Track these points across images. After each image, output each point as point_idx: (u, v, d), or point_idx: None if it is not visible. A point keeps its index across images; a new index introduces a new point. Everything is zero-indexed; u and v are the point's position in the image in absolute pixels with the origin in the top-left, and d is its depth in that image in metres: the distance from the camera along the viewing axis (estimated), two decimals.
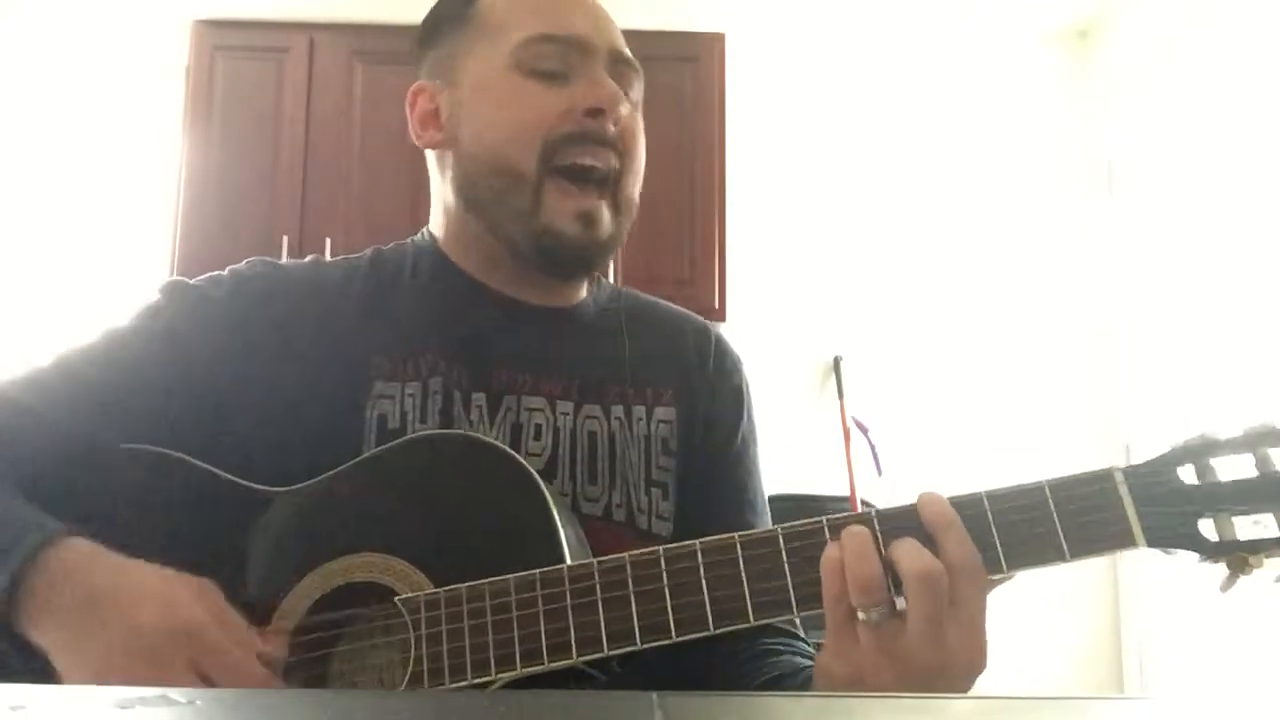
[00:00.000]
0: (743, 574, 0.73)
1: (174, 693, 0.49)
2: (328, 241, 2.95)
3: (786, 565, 0.73)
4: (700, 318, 1.09)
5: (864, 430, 3.21)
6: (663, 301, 1.10)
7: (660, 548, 0.75)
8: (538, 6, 0.96)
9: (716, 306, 3.10)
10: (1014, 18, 3.42)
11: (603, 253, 0.94)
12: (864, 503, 3.02)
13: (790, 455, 3.07)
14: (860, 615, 0.69)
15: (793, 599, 0.72)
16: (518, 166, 0.91)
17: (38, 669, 0.75)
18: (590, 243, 0.93)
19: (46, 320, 3.09)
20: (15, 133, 3.30)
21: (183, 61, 3.22)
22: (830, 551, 0.71)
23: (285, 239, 3.01)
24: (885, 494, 3.09)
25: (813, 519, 0.74)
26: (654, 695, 0.48)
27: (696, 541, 0.75)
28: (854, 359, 3.30)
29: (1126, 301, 3.24)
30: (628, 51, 0.98)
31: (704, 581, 0.73)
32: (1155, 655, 2.98)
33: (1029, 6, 3.37)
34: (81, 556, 0.75)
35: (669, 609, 0.73)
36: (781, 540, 0.74)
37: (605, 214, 0.93)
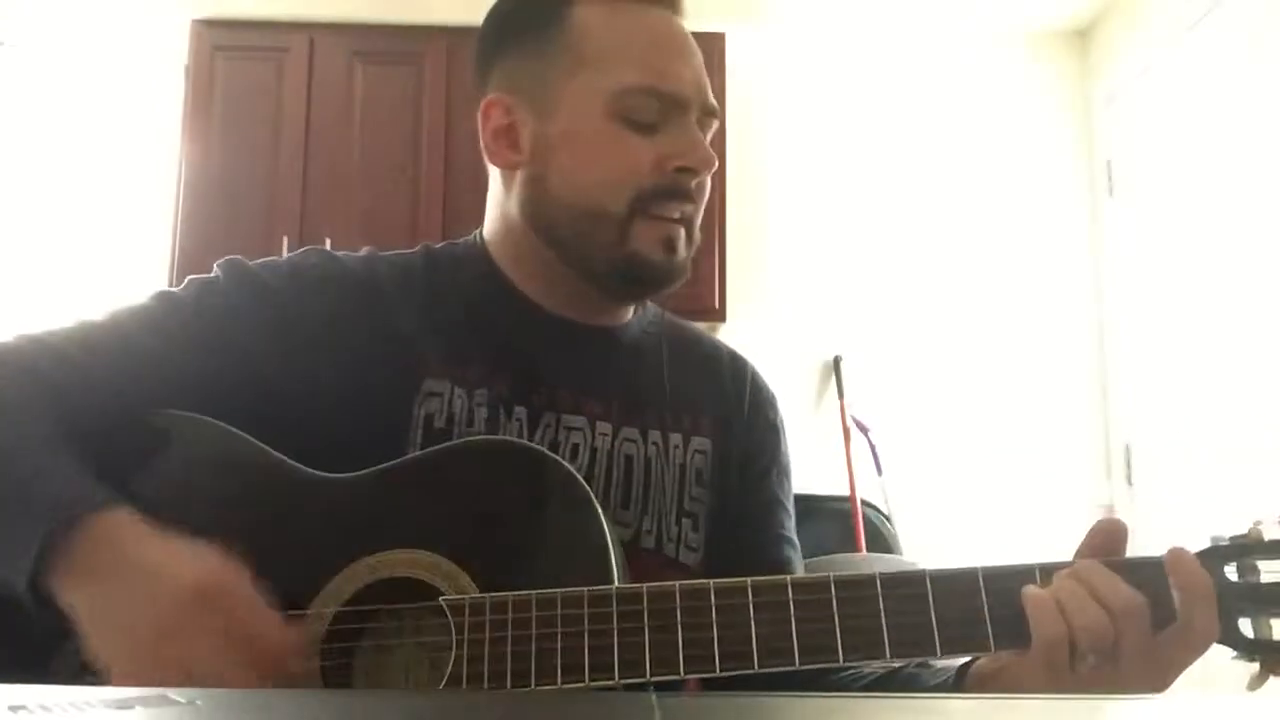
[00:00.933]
0: (791, 616, 0.74)
1: (174, 693, 0.49)
2: (328, 241, 2.94)
3: (836, 613, 0.74)
4: (735, 350, 1.09)
5: (864, 430, 3.21)
6: (700, 329, 1.11)
7: (711, 580, 0.75)
8: (643, 50, 0.93)
9: (716, 306, 3.10)
10: (1013, 18, 3.42)
11: (680, 276, 0.95)
12: (864, 502, 3.02)
13: (790, 455, 3.06)
14: (1090, 660, 0.72)
15: (839, 645, 0.73)
16: (606, 210, 0.91)
17: (58, 634, 0.75)
18: (672, 267, 0.94)
19: (46, 320, 3.08)
20: (16, 132, 3.30)
21: (183, 61, 3.22)
22: (1041, 594, 0.73)
23: (285, 239, 3.01)
24: (885, 494, 3.09)
25: (866, 573, 0.75)
26: (653, 695, 0.48)
27: (748, 579, 0.75)
28: (854, 359, 3.30)
29: (1126, 301, 3.24)
30: (714, 101, 0.96)
31: (753, 619, 0.74)
32: None
33: (1028, 6, 3.37)
34: (120, 525, 0.75)
35: (715, 641, 0.73)
36: (833, 587, 0.74)
37: (683, 239, 0.94)
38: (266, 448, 0.85)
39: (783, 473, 1.06)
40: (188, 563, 0.74)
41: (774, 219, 3.38)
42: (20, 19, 3.29)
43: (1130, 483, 3.07)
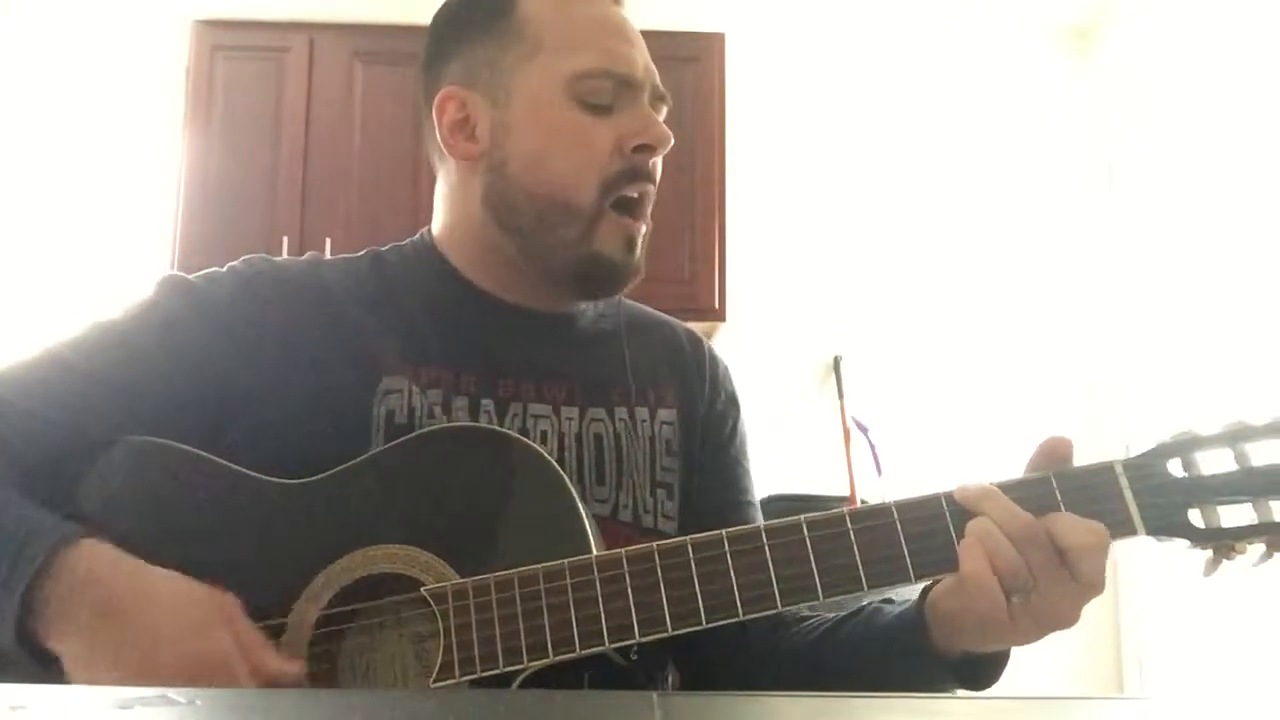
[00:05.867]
0: (769, 561, 0.77)
1: (174, 693, 0.49)
2: (328, 241, 2.94)
3: (811, 552, 0.77)
4: (688, 327, 1.12)
5: (864, 430, 3.21)
6: (651, 309, 1.12)
7: (688, 537, 0.78)
8: (596, 35, 0.96)
9: (716, 306, 3.10)
10: (1014, 18, 3.42)
11: (636, 275, 0.97)
12: (864, 503, 3.01)
13: (790, 455, 3.06)
14: (1015, 599, 0.75)
15: (818, 584, 0.76)
16: (575, 202, 0.93)
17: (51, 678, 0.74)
18: (629, 266, 0.95)
19: (46, 320, 3.08)
20: (15, 132, 3.30)
21: (183, 61, 3.22)
22: (971, 546, 0.76)
23: (285, 239, 3.01)
24: (885, 494, 3.09)
25: (835, 510, 0.79)
26: (654, 695, 0.48)
27: (723, 531, 0.78)
28: (854, 359, 3.30)
29: (1127, 300, 3.24)
30: (663, 86, 0.99)
31: (732, 569, 0.76)
32: (1155, 655, 2.98)
33: (1029, 6, 3.37)
34: (97, 561, 0.75)
35: (699, 596, 0.76)
36: (805, 528, 0.78)
37: (641, 237, 0.96)
38: (226, 462, 0.85)
39: (743, 441, 1.09)
40: (172, 615, 0.74)
41: (774, 219, 3.38)
42: (20, 19, 3.29)
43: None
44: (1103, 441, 3.12)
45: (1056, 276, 3.38)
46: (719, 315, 3.09)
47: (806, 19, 3.43)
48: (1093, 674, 3.09)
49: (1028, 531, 0.75)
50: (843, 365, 3.28)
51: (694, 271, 3.08)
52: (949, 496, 0.78)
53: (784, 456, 2.93)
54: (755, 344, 3.15)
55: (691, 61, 3.17)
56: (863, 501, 3.01)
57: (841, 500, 2.99)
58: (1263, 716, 0.54)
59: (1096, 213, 3.37)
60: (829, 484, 3.03)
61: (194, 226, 3.06)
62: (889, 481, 3.13)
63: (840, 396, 3.24)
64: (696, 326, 1.13)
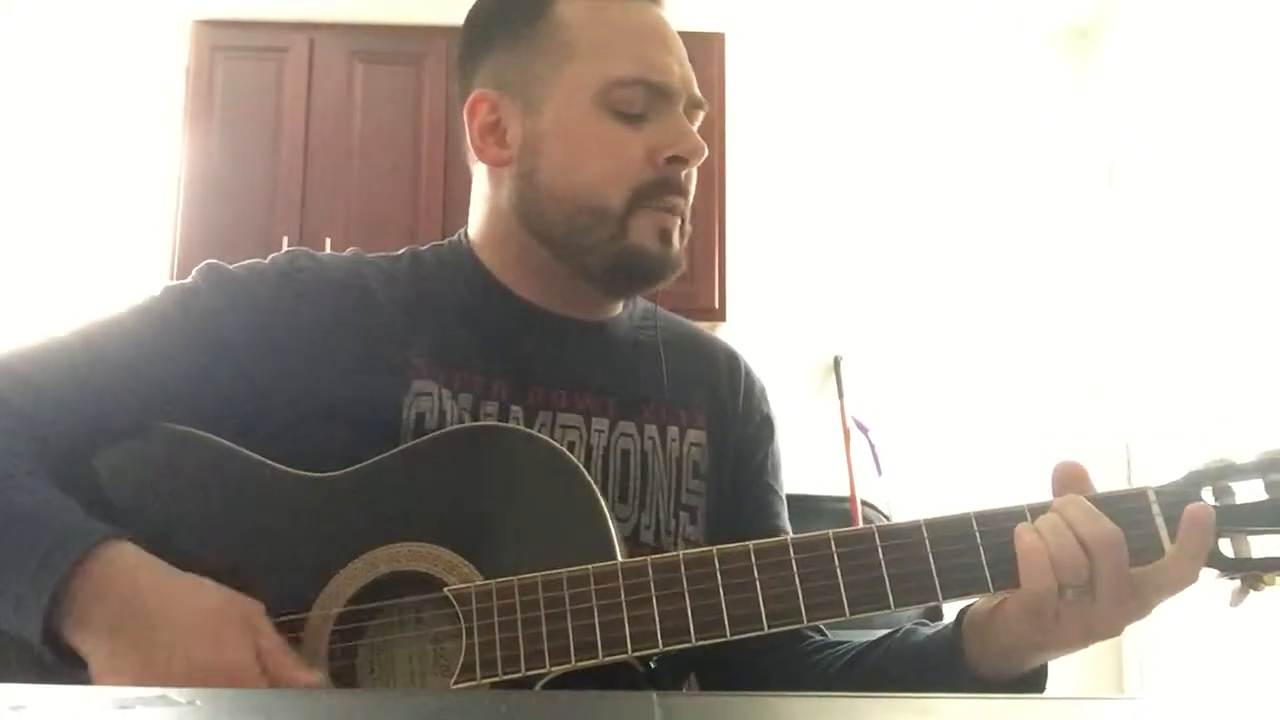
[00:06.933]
0: (796, 575, 0.76)
1: (174, 693, 0.49)
2: (328, 241, 2.94)
3: (839, 568, 0.76)
4: (726, 343, 1.10)
5: (864, 430, 3.21)
6: (691, 322, 1.11)
7: (714, 548, 0.77)
8: (631, 42, 0.94)
9: (716, 306, 3.10)
10: (1014, 18, 3.42)
11: (676, 269, 0.95)
12: (864, 503, 3.02)
13: (790, 455, 3.05)
14: (1069, 594, 0.74)
15: (844, 600, 0.75)
16: (604, 207, 0.91)
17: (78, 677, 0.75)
18: (666, 259, 0.94)
19: (46, 320, 3.08)
20: (15, 132, 3.29)
21: (183, 61, 3.22)
22: (1029, 535, 0.75)
23: (285, 239, 3.00)
24: (885, 494, 3.09)
25: (864, 526, 0.78)
26: (654, 695, 0.48)
27: (750, 543, 0.77)
28: (854, 359, 3.30)
29: (1127, 301, 3.24)
30: (700, 93, 0.97)
31: (758, 581, 0.76)
32: (1155, 656, 2.98)
33: (1029, 6, 3.37)
34: (125, 566, 0.75)
35: (723, 607, 0.75)
36: (833, 544, 0.76)
37: (678, 231, 0.95)
38: (253, 454, 0.85)
39: (776, 464, 1.08)
40: (198, 625, 0.74)
41: (774, 219, 3.38)
42: (20, 19, 3.29)
43: (1130, 482, 3.06)
44: (1103, 441, 3.12)
45: (1056, 277, 3.38)
46: (719, 315, 3.09)
47: (806, 19, 3.43)
48: (1093, 674, 3.09)
49: (1106, 538, 0.74)
50: (843, 365, 3.28)
51: (694, 271, 3.07)
52: (979, 516, 0.77)
53: (784, 456, 2.93)
54: (755, 344, 3.12)
55: (691, 62, 3.16)
56: (863, 501, 3.01)
57: (841, 500, 2.99)
58: (1262, 716, 0.54)
59: (1096, 213, 3.37)
60: (829, 484, 3.02)
61: (194, 226, 3.06)
62: (889, 481, 3.13)
63: (840, 396, 3.23)
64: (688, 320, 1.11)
